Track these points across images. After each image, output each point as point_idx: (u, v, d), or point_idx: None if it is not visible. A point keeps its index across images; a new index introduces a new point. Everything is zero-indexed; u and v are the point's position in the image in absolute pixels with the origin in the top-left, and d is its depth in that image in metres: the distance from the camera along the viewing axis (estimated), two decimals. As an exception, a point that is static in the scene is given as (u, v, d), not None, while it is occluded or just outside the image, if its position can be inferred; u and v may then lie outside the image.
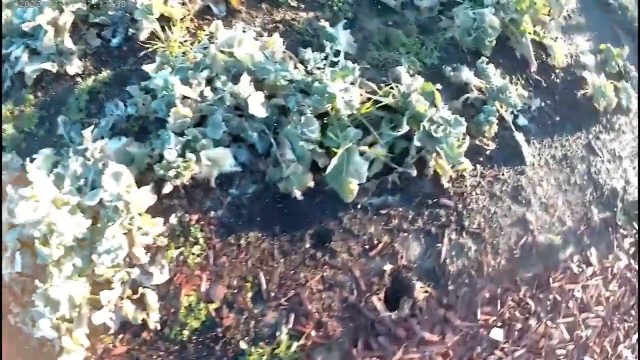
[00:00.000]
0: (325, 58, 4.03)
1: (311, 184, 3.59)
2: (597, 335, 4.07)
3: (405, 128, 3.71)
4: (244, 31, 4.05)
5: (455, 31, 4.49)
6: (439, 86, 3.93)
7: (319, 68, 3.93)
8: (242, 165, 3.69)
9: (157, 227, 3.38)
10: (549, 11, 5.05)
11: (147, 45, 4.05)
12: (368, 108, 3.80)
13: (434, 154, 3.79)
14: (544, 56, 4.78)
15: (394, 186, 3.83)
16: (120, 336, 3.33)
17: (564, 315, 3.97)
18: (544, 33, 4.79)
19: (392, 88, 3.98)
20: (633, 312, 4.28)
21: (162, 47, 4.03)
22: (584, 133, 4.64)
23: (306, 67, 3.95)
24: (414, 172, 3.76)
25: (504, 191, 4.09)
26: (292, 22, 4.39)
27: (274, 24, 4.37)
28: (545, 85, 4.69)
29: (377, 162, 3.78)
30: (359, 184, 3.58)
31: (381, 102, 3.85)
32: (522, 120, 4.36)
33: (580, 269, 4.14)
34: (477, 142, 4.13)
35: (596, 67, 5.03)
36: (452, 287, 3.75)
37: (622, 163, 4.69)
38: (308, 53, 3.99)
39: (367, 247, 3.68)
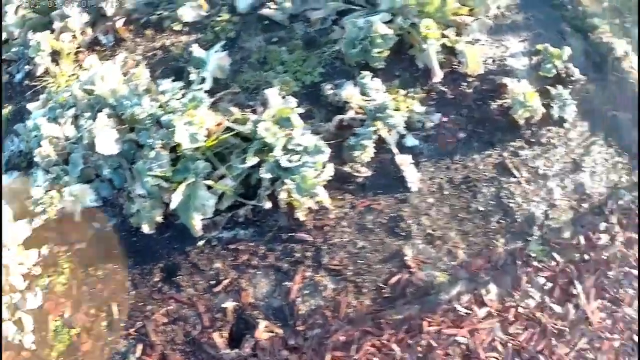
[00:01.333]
0: (188, 86, 3.93)
1: (159, 219, 3.62)
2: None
3: (252, 160, 3.55)
4: (125, 60, 4.10)
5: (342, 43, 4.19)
6: (300, 110, 3.72)
7: (177, 99, 3.84)
8: (104, 200, 3.87)
9: (30, 258, 3.72)
10: (471, 11, 4.59)
11: (41, 81, 4.18)
12: (214, 140, 3.66)
13: (285, 186, 3.57)
14: (456, 64, 4.34)
15: (246, 220, 3.70)
16: (7, 353, 3.61)
17: (441, 363, 3.61)
18: (459, 37, 4.35)
19: (254, 112, 3.81)
20: (542, 358, 3.81)
21: (51, 83, 4.14)
22: (497, 150, 4.15)
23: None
24: (267, 205, 3.59)
25: (377, 223, 3.76)
26: (171, 48, 4.31)
27: (154, 51, 4.33)
28: (451, 97, 4.25)
29: (228, 196, 3.65)
30: (210, 218, 3.59)
31: (237, 130, 3.70)
32: (411, 141, 3.98)
33: (469, 311, 3.73)
34: (347, 169, 3.83)
35: (528, 71, 4.50)
36: (301, 328, 3.52)
37: (546, 183, 4.16)
38: (165, 84, 3.90)
39: (212, 282, 3.61)
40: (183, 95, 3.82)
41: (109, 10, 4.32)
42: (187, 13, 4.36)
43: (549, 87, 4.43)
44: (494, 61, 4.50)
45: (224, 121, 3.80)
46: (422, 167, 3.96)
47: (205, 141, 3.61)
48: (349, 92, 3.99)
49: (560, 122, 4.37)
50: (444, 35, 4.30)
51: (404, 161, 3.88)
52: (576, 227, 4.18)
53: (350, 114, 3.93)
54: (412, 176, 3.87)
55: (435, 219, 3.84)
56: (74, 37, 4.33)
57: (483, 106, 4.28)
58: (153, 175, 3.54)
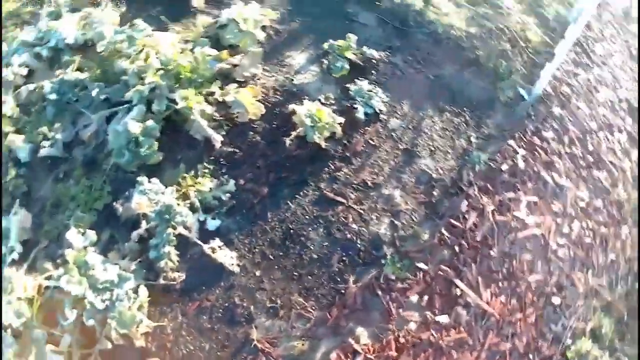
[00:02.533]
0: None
1: None
2: None
3: (71, 315, 3.38)
4: None
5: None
6: (105, 236, 3.65)
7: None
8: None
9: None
10: (237, 48, 4.31)
11: None
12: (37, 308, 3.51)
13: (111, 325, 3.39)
14: (236, 115, 4.06)
15: None
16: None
17: None
18: (228, 85, 4.07)
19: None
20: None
21: None
22: (311, 186, 3.83)
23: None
24: (108, 345, 3.39)
25: (214, 319, 3.48)
26: None
27: None
28: (241, 154, 3.96)
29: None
30: None
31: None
32: (212, 224, 3.70)
33: None
34: (163, 281, 3.61)
35: (323, 78, 4.15)
36: None
37: (381, 191, 3.81)
38: None
39: None
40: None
41: None
42: None
43: (349, 86, 4.09)
44: (278, 89, 4.19)
45: (42, 283, 3.68)
46: (237, 242, 3.69)
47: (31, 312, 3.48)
48: (136, 202, 3.75)
49: (374, 117, 4.03)
50: (209, 95, 4.03)
51: (213, 248, 3.62)
52: (434, 222, 3.82)
53: (144, 224, 3.70)
54: (227, 259, 3.61)
55: (272, 289, 3.56)
56: None
57: (279, 146, 3.96)
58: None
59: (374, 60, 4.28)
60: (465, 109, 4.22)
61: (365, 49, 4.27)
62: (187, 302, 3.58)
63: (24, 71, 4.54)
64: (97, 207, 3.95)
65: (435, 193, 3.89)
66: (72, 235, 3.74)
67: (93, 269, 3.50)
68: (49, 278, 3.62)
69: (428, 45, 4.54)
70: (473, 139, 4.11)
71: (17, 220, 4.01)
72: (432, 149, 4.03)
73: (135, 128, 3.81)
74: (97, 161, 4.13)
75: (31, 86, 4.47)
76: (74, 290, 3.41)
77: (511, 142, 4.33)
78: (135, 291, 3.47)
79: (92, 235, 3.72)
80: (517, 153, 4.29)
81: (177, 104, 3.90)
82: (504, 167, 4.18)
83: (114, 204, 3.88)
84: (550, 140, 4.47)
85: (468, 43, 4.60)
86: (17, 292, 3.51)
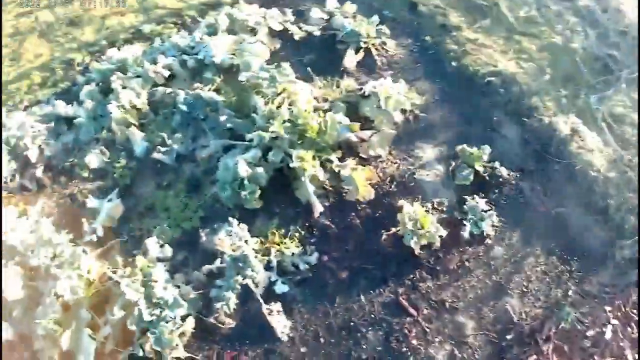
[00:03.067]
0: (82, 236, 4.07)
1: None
2: None
3: (119, 313, 3.57)
4: (44, 205, 4.39)
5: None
6: (179, 256, 3.88)
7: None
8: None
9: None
10: (372, 122, 4.32)
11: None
12: (93, 292, 3.75)
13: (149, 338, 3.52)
14: (345, 193, 4.06)
15: None
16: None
17: None
18: (351, 158, 4.07)
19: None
20: None
21: None
22: (390, 287, 3.73)
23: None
24: (141, 353, 3.53)
25: None
26: (78, 196, 4.42)
27: (64, 199, 4.47)
28: (336, 231, 3.93)
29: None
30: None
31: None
32: (280, 288, 3.69)
33: None
34: (212, 320, 3.65)
35: (445, 182, 4.06)
36: None
37: (454, 317, 3.66)
38: (56, 237, 3.93)
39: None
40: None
41: (33, 157, 4.60)
42: (93, 160, 4.49)
43: (467, 198, 3.99)
44: (396, 179, 4.14)
45: (106, 271, 3.85)
46: (296, 314, 3.65)
47: (85, 293, 3.69)
48: (220, 238, 3.84)
49: (479, 238, 3.89)
50: (327, 161, 4.05)
51: (271, 310, 3.63)
52: (495, 367, 3.61)
53: (218, 262, 3.77)
54: (280, 325, 3.59)
55: (305, 377, 3.50)
56: (5, 183, 4.64)
57: (374, 237, 3.90)
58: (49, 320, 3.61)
59: (501, 179, 4.14)
60: (575, 257, 3.97)
61: (496, 164, 4.14)
62: (226, 348, 3.61)
63: (166, 73, 4.79)
64: (185, 227, 4.08)
65: (508, 337, 3.67)
66: (151, 243, 3.95)
67: (155, 282, 3.66)
68: (114, 272, 3.82)
69: (561, 179, 4.33)
70: (571, 292, 3.87)
71: (109, 207, 4.22)
72: (525, 290, 3.81)
73: (244, 170, 3.89)
74: (201, 184, 4.27)
75: (168, 90, 4.71)
76: (129, 294, 3.60)
77: (608, 307, 4.04)
78: (184, 319, 3.59)
79: (168, 251, 3.92)
80: (609, 323, 3.99)
81: (292, 160, 3.96)
82: (590, 332, 3.89)
83: (201, 230, 3.99)
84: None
85: (602, 188, 4.33)
86: (81, 270, 3.77)
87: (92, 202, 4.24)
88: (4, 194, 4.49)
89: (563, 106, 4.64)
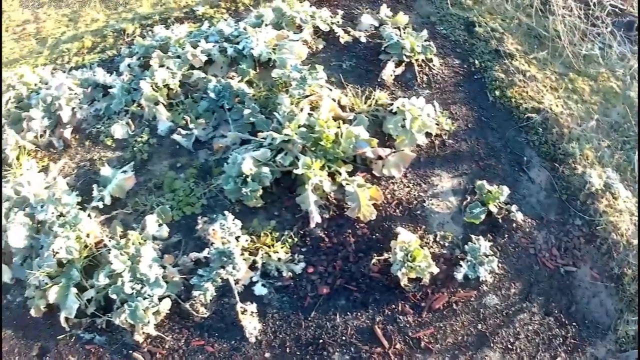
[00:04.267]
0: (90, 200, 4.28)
1: (43, 308, 3.86)
2: None
3: (103, 280, 3.78)
4: (64, 165, 4.65)
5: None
6: (174, 239, 3.99)
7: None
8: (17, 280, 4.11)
9: None
10: (396, 140, 4.25)
11: (9, 171, 4.83)
12: (87, 256, 3.96)
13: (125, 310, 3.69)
14: (346, 208, 4.00)
15: (102, 329, 3.79)
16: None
17: None
18: (354, 174, 4.04)
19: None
20: None
21: (11, 174, 4.78)
22: (369, 313, 3.69)
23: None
24: (117, 321, 3.69)
25: None
26: (97, 162, 4.64)
27: (85, 162, 4.70)
28: (329, 245, 3.92)
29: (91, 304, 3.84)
30: (75, 317, 3.78)
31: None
32: (260, 290, 3.74)
33: None
34: (188, 306, 3.75)
35: (454, 215, 3.95)
36: None
37: (427, 358, 3.57)
38: (66, 197, 4.18)
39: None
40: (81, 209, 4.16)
41: (65, 118, 4.86)
42: (118, 130, 4.70)
43: (472, 237, 3.88)
44: (402, 204, 4.06)
45: (103, 238, 4.07)
46: (269, 318, 3.69)
47: (79, 254, 3.92)
48: (213, 229, 3.92)
49: (473, 283, 3.77)
50: (336, 172, 4.03)
51: (245, 310, 3.68)
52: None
53: (206, 252, 3.86)
54: (251, 326, 3.64)
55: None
56: (36, 137, 4.93)
57: (364, 259, 3.85)
58: (42, 272, 3.87)
59: (514, 224, 3.99)
60: (574, 324, 3.76)
61: (513, 207, 3.99)
62: (195, 336, 3.70)
63: (204, 58, 4.92)
64: (186, 211, 4.20)
65: (477, 391, 3.56)
66: (150, 221, 4.12)
67: (141, 258, 3.83)
68: (109, 240, 4.01)
69: (580, 237, 4.10)
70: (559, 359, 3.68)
71: (122, 177, 4.41)
72: (510, 347, 3.66)
73: (248, 168, 3.94)
74: (211, 173, 4.37)
75: (202, 75, 4.82)
76: (115, 264, 3.80)
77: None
78: (162, 299, 3.73)
79: (165, 232, 4.07)
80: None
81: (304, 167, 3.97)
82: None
83: (199, 218, 4.10)
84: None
85: (622, 254, 4.08)
86: (81, 233, 3.99)
87: (105, 171, 4.43)
88: (32, 147, 4.77)
89: (602, 158, 4.39)
